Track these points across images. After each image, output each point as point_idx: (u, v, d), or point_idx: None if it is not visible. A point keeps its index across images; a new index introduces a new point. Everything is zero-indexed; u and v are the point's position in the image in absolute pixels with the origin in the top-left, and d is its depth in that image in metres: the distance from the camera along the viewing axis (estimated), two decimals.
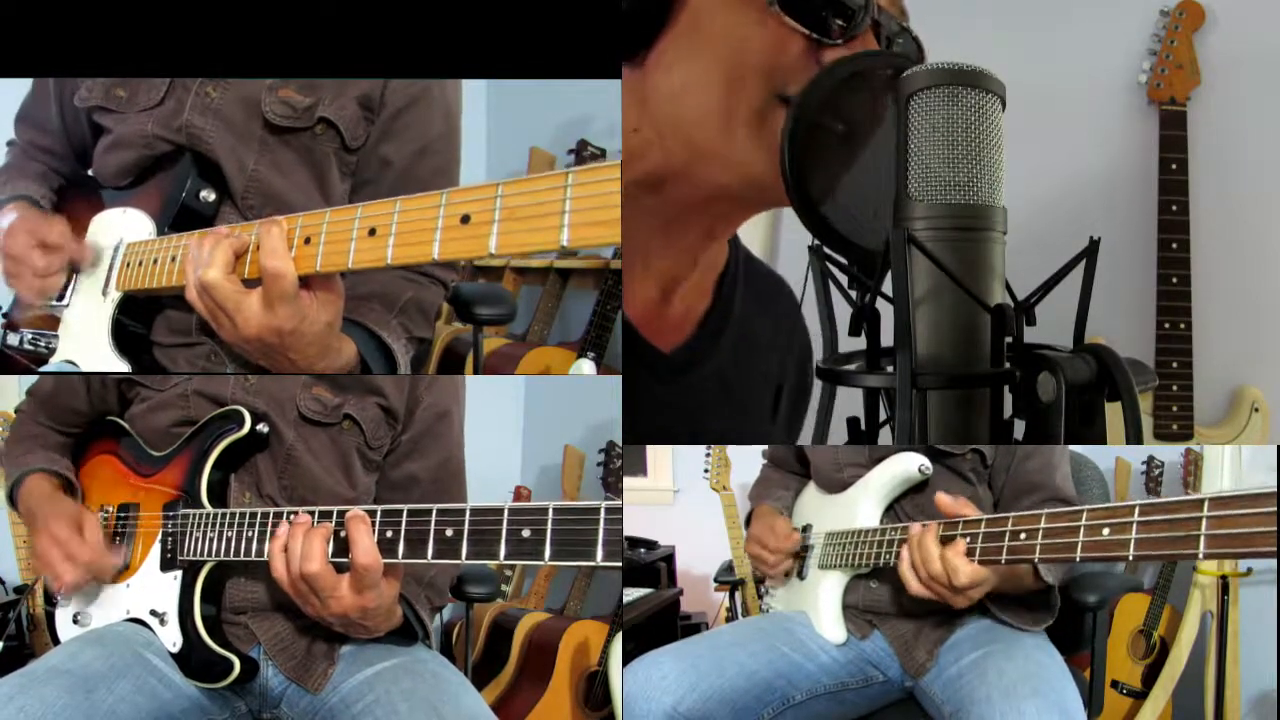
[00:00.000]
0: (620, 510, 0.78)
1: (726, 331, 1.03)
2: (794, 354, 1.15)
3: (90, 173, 1.20)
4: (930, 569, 1.08)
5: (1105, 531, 0.85)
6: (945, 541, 1.08)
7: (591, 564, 0.78)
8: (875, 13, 0.84)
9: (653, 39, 0.85)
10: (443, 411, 1.19)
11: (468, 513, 0.86)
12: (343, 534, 0.92)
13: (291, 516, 0.96)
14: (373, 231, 0.86)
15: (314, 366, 1.00)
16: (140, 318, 1.13)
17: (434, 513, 0.88)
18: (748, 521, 1.55)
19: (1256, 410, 1.99)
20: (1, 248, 1.12)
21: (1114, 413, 0.64)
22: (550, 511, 0.80)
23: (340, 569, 0.94)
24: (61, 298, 1.16)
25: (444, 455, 1.20)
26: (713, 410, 1.02)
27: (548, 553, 0.80)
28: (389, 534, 0.90)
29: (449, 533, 0.87)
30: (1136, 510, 0.81)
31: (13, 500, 1.18)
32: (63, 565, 1.07)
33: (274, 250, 0.90)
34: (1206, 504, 0.74)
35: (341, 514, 0.93)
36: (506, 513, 0.83)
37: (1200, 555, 0.74)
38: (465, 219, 0.80)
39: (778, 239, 2.09)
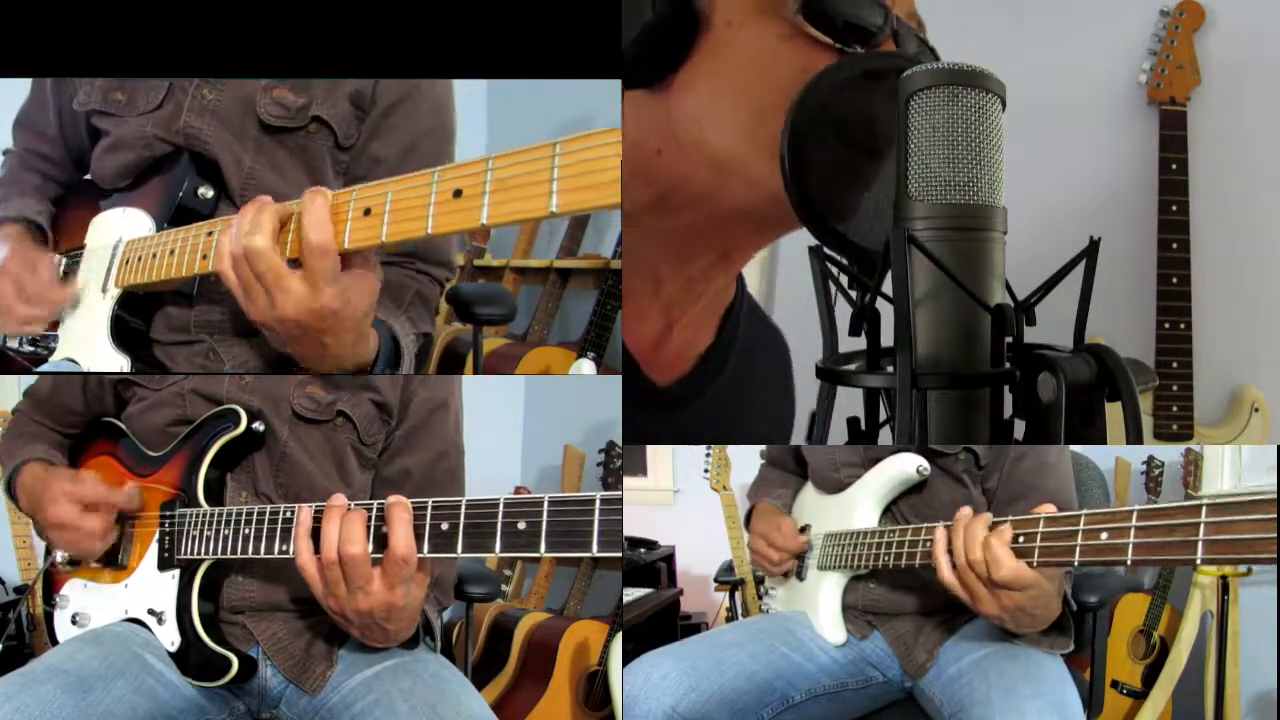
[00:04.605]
0: (618, 501, 0.77)
1: (725, 370, 1.02)
2: (778, 396, 1.14)
3: (88, 176, 1.21)
4: (971, 554, 1.01)
5: (1103, 536, 0.84)
6: (990, 529, 1.01)
7: (588, 554, 0.78)
8: (895, 23, 0.84)
9: (679, 62, 0.85)
10: (437, 405, 1.19)
11: (463, 506, 0.85)
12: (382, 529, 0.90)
13: (290, 513, 0.96)
14: (368, 211, 0.87)
15: (346, 355, 0.96)
16: (140, 314, 1.13)
17: (429, 506, 0.88)
18: (747, 520, 1.55)
19: (1256, 410, 1.99)
20: None
21: (1114, 413, 0.64)
22: (545, 503, 0.80)
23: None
24: (57, 324, 1.16)
25: (438, 449, 1.19)
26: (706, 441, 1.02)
27: (543, 545, 0.80)
28: (384, 529, 0.89)
29: (444, 526, 0.86)
30: (1135, 515, 0.81)
31: (11, 491, 1.18)
32: (82, 519, 1.07)
33: (319, 222, 0.85)
34: (1205, 509, 0.74)
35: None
36: (502, 505, 0.83)
37: (1198, 561, 0.74)
38: (457, 193, 0.80)
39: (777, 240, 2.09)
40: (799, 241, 0.77)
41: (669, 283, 0.95)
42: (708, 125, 0.85)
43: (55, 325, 1.17)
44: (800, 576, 1.41)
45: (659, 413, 0.97)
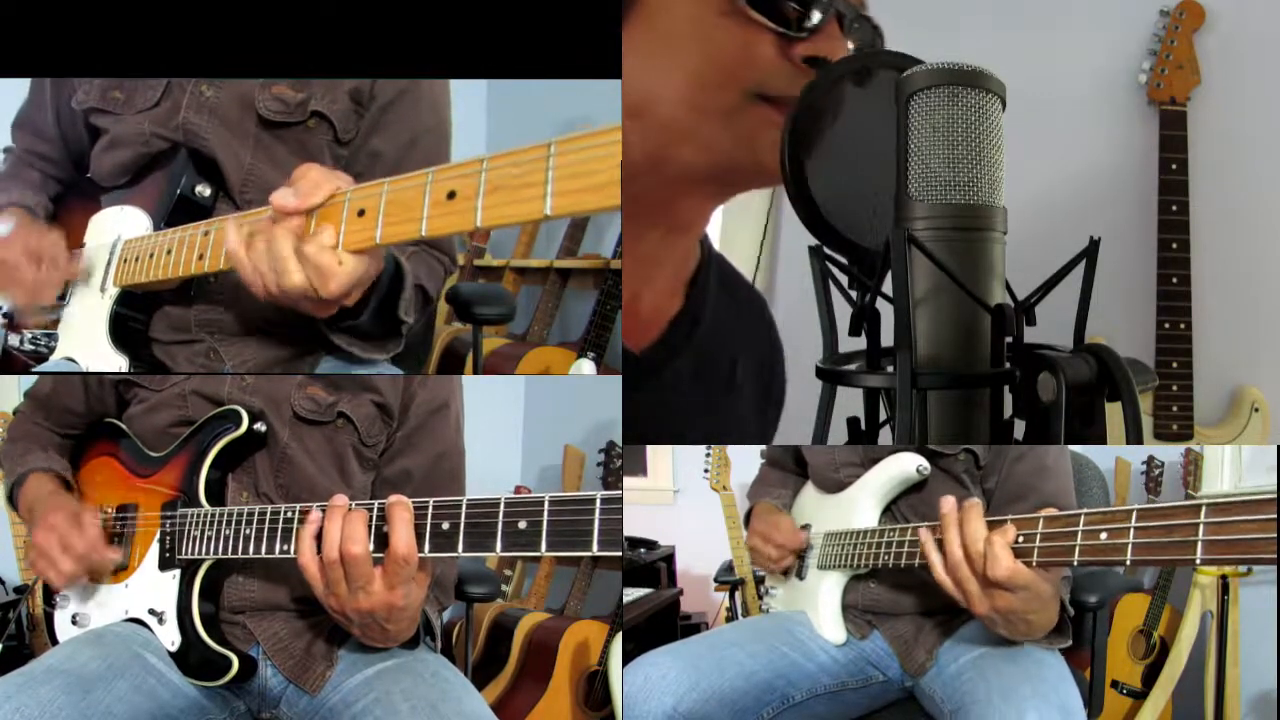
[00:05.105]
0: (618, 500, 0.77)
1: (696, 333, 1.02)
2: (761, 363, 1.14)
3: (88, 175, 1.21)
4: (971, 549, 0.98)
5: (1103, 536, 0.84)
6: (992, 527, 0.98)
7: (588, 554, 0.78)
8: (839, 5, 0.85)
9: None
10: (438, 406, 1.19)
11: (464, 505, 0.85)
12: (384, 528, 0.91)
13: (291, 513, 0.96)
14: (362, 213, 0.87)
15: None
16: (139, 313, 1.13)
17: (430, 506, 0.88)
18: (747, 520, 1.55)
19: (1256, 410, 1.99)
20: None
21: (1114, 413, 0.64)
22: (546, 502, 0.80)
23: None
24: (63, 298, 1.16)
25: (438, 450, 1.19)
26: (688, 412, 1.02)
27: (544, 544, 0.80)
28: (385, 528, 0.89)
29: (445, 526, 0.86)
30: (1134, 515, 0.81)
31: (13, 500, 1.18)
32: (60, 557, 1.06)
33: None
34: (1204, 509, 0.74)
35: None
36: (502, 504, 0.83)
37: (1197, 561, 0.74)
38: (451, 195, 0.80)
39: (777, 241, 2.09)
40: (799, 242, 0.77)
41: (626, 255, 0.97)
42: (652, 91, 0.85)
43: (56, 324, 1.17)
44: (800, 576, 1.41)
45: (636, 379, 0.97)
